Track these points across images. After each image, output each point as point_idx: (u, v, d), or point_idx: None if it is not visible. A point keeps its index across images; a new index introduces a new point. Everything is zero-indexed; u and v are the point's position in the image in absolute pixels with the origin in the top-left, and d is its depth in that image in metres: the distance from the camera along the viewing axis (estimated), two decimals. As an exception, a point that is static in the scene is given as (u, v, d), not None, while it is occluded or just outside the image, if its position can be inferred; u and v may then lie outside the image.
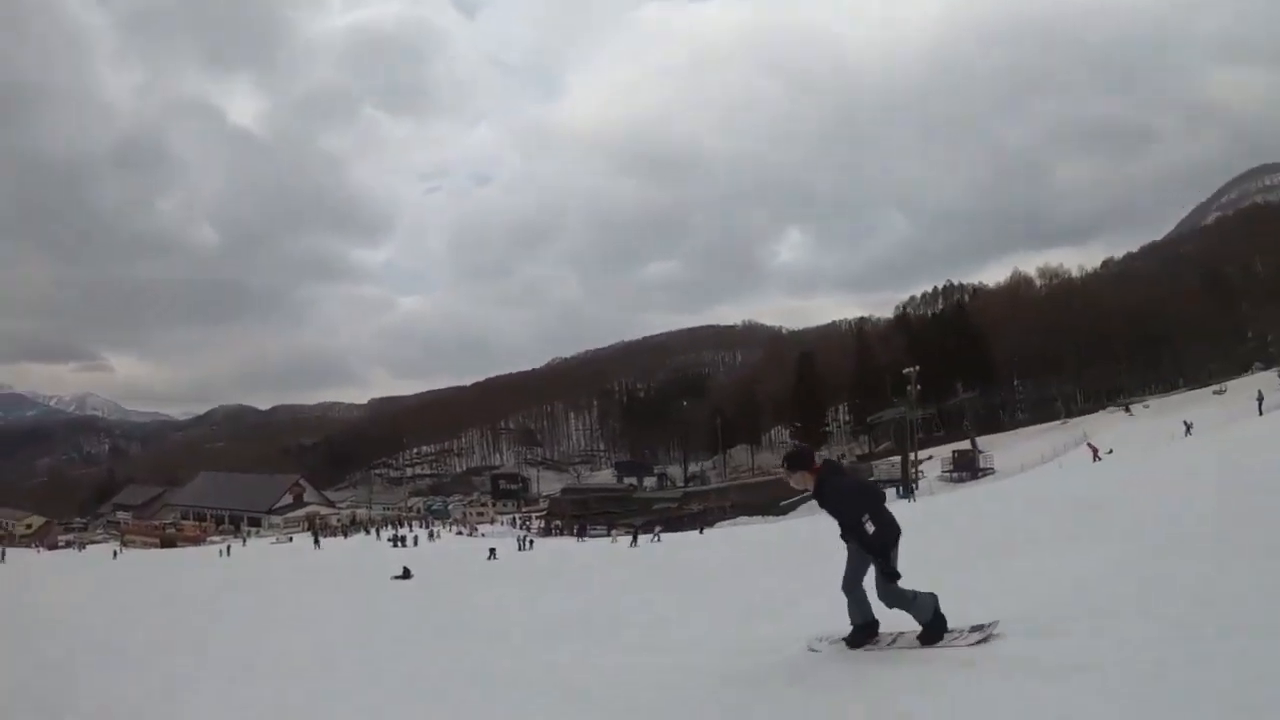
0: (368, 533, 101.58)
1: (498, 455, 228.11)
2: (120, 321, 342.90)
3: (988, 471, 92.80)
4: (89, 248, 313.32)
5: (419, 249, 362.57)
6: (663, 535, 65.57)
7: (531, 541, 70.93)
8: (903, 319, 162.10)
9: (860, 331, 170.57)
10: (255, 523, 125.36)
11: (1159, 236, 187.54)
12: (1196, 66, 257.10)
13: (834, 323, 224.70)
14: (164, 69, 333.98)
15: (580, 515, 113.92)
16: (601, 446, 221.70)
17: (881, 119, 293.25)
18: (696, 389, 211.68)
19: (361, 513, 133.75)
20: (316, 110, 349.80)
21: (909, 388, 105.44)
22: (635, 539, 60.35)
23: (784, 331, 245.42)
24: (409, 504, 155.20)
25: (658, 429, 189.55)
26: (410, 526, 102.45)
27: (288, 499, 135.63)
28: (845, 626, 7.78)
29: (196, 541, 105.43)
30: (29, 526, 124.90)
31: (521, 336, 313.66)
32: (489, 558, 47.51)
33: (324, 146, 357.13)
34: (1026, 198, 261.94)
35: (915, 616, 7.36)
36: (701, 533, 72.92)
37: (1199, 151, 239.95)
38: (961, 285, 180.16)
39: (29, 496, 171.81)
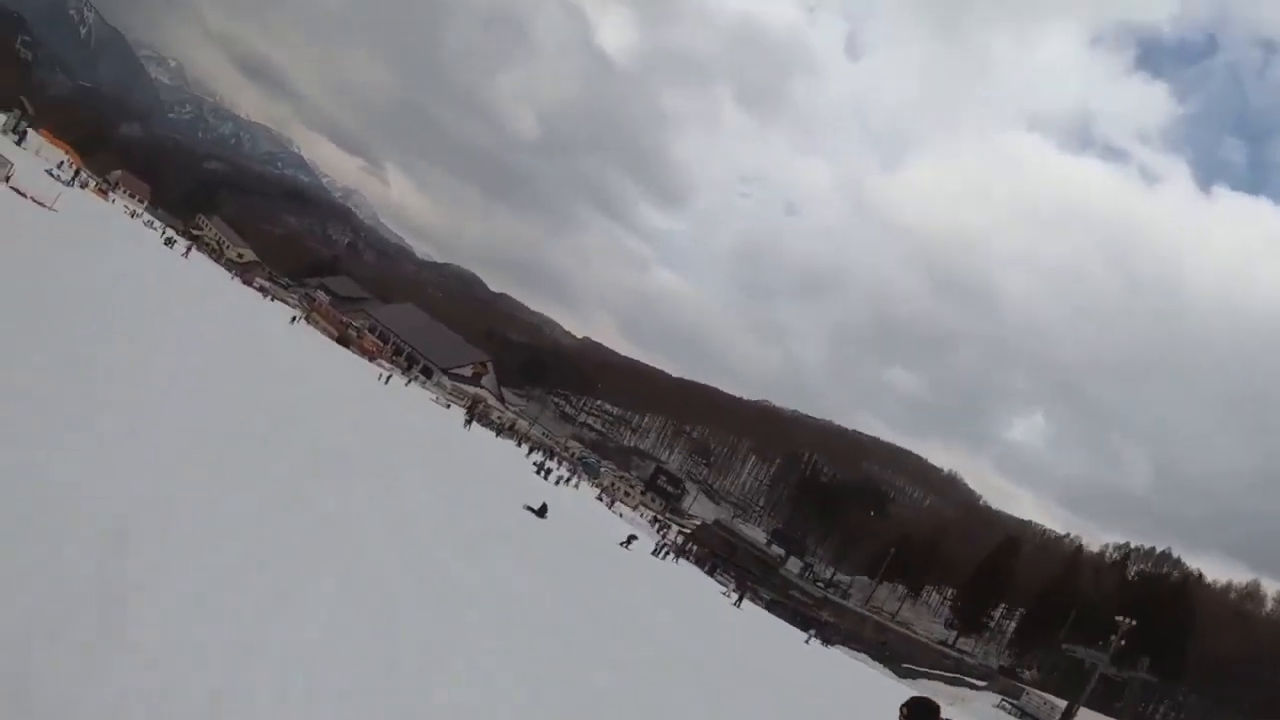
0: (519, 445, 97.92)
1: (667, 452, 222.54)
2: (417, 150, 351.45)
3: None
4: (423, 79, 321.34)
5: (700, 235, 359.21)
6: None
7: (670, 554, 65.98)
8: (1121, 564, 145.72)
9: (1076, 552, 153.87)
10: (428, 372, 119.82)
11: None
12: None
13: (1033, 522, 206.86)
14: None
15: (722, 557, 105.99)
16: (761, 502, 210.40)
17: (1185, 361, 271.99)
18: (876, 503, 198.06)
19: (523, 424, 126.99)
20: (675, 69, 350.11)
21: (1114, 638, 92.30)
22: (741, 601, 59.63)
23: (981, 503, 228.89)
24: (567, 444, 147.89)
25: (820, 517, 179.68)
26: (559, 463, 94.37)
27: (467, 370, 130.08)
28: None
29: (369, 355, 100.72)
30: (240, 256, 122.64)
31: (746, 363, 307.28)
32: (625, 544, 46.32)
33: (666, 103, 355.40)
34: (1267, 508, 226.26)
35: None
36: (808, 642, 64.21)
37: None
38: (1180, 560, 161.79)
39: (261, 238, 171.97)
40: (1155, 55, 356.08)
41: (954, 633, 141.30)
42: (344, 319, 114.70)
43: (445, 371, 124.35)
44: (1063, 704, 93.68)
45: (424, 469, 27.26)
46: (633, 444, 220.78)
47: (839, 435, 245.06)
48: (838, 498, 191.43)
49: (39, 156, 70.85)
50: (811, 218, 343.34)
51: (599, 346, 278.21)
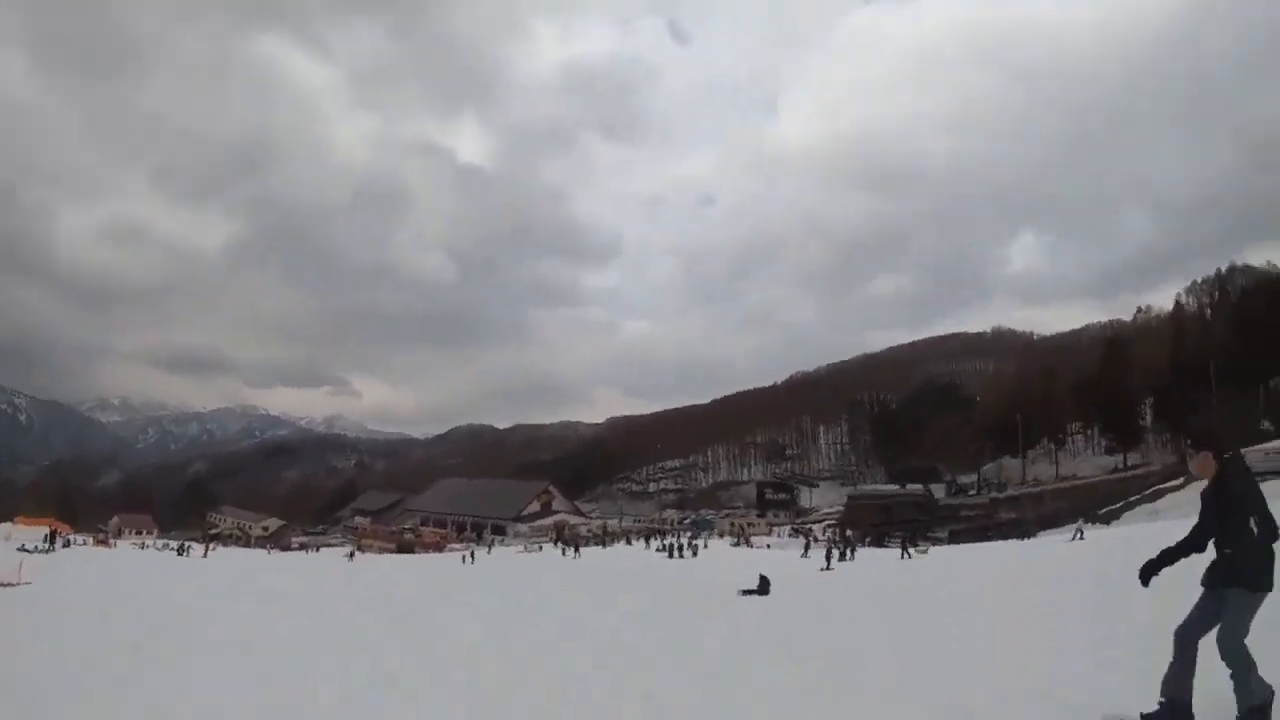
0: (629, 543, 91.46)
1: (745, 470, 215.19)
2: (365, 349, 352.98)
3: None
4: (335, 282, 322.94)
5: (644, 272, 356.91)
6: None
7: (851, 551, 56.60)
8: (1223, 297, 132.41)
9: (1176, 319, 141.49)
10: (499, 530, 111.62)
11: None
12: None
13: (1086, 326, 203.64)
14: (393, 116, 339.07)
15: (884, 523, 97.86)
16: (853, 460, 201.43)
17: (1112, 109, 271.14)
18: (951, 399, 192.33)
19: (613, 523, 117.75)
20: (537, 143, 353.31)
21: None
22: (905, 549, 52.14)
23: (1035, 337, 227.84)
24: (662, 515, 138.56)
25: (914, 439, 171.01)
26: (677, 536, 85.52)
27: (534, 506, 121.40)
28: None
29: (437, 548, 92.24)
30: (265, 529, 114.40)
31: (753, 356, 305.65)
32: (824, 568, 41.87)
33: (547, 178, 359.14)
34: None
35: (1240, 699, 5.69)
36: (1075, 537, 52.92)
37: None
38: (1249, 266, 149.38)
39: (273, 503, 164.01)
40: None
41: (1119, 456, 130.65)
42: (393, 528, 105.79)
43: (516, 520, 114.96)
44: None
45: (597, 608, 21.94)
46: (710, 481, 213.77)
47: (878, 361, 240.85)
48: (912, 414, 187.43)
49: (8, 541, 62.32)
50: (725, 199, 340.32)
51: (624, 418, 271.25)
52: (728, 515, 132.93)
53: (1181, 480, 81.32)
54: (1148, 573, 6.18)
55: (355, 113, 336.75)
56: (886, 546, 63.66)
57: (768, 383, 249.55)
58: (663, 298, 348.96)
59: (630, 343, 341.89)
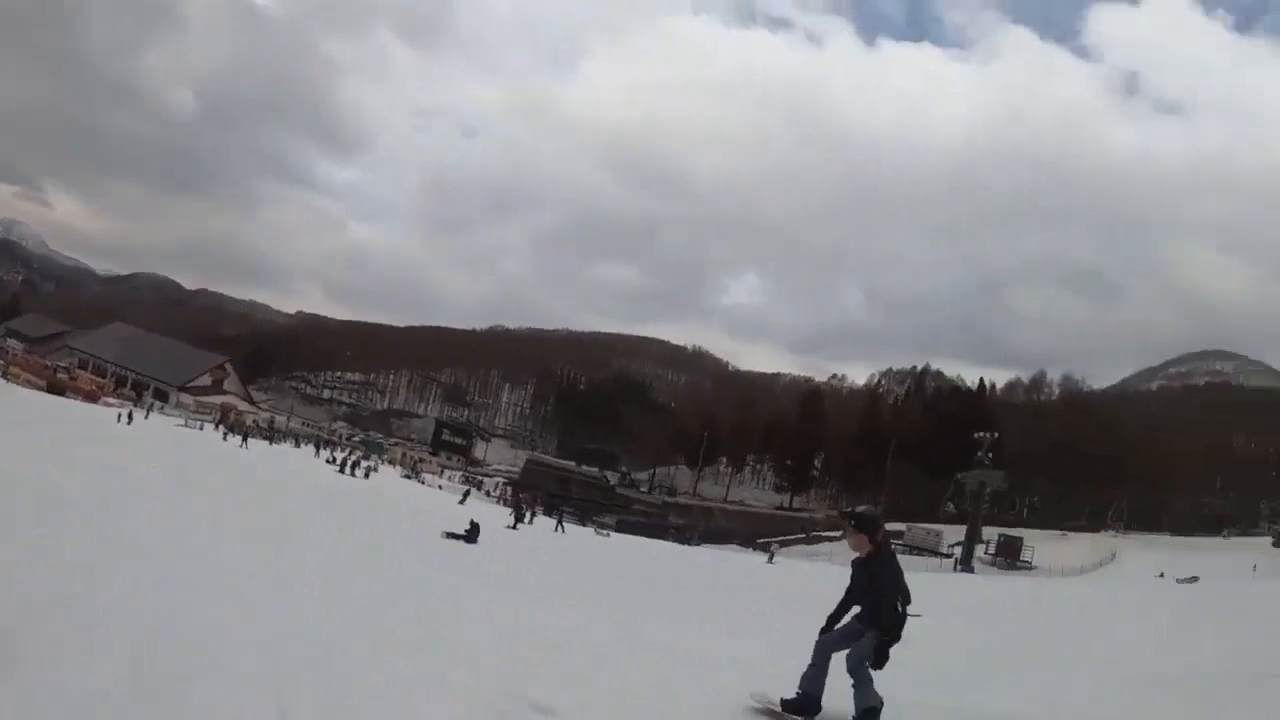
0: (297, 445, 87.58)
1: (422, 404, 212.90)
2: (72, 159, 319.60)
3: (1026, 565, 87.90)
4: (63, 76, 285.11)
5: (389, 181, 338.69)
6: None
7: (532, 515, 57.56)
8: (919, 389, 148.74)
9: (874, 391, 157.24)
10: (162, 396, 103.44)
11: (1098, 387, 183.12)
12: (1182, 243, 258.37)
13: (778, 374, 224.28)
14: None
15: (559, 495, 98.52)
16: (529, 426, 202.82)
17: (875, 199, 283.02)
18: (640, 397, 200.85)
19: (281, 419, 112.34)
20: (332, 11, 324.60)
21: (981, 454, 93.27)
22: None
23: (730, 368, 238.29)
24: (333, 426, 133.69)
25: (596, 424, 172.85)
26: (350, 453, 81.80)
27: (206, 380, 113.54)
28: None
29: (90, 397, 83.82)
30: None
31: (465, 296, 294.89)
32: (512, 526, 42.41)
33: (327, 49, 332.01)
34: (984, 313, 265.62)
35: (857, 702, 7.08)
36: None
37: (1162, 320, 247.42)
38: (940, 372, 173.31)
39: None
40: None
41: (787, 496, 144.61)
42: (47, 363, 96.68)
43: (182, 388, 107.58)
44: (940, 528, 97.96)
45: (269, 512, 21.38)
46: (386, 406, 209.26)
47: (581, 340, 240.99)
48: (600, 400, 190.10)
49: None
50: (493, 138, 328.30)
51: (315, 317, 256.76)
52: (398, 444, 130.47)
53: (841, 533, 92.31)
54: (825, 628, 7.38)
55: None
56: (554, 518, 62.44)
57: (467, 326, 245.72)
58: (397, 211, 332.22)
59: (349, 245, 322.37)
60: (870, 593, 7.21)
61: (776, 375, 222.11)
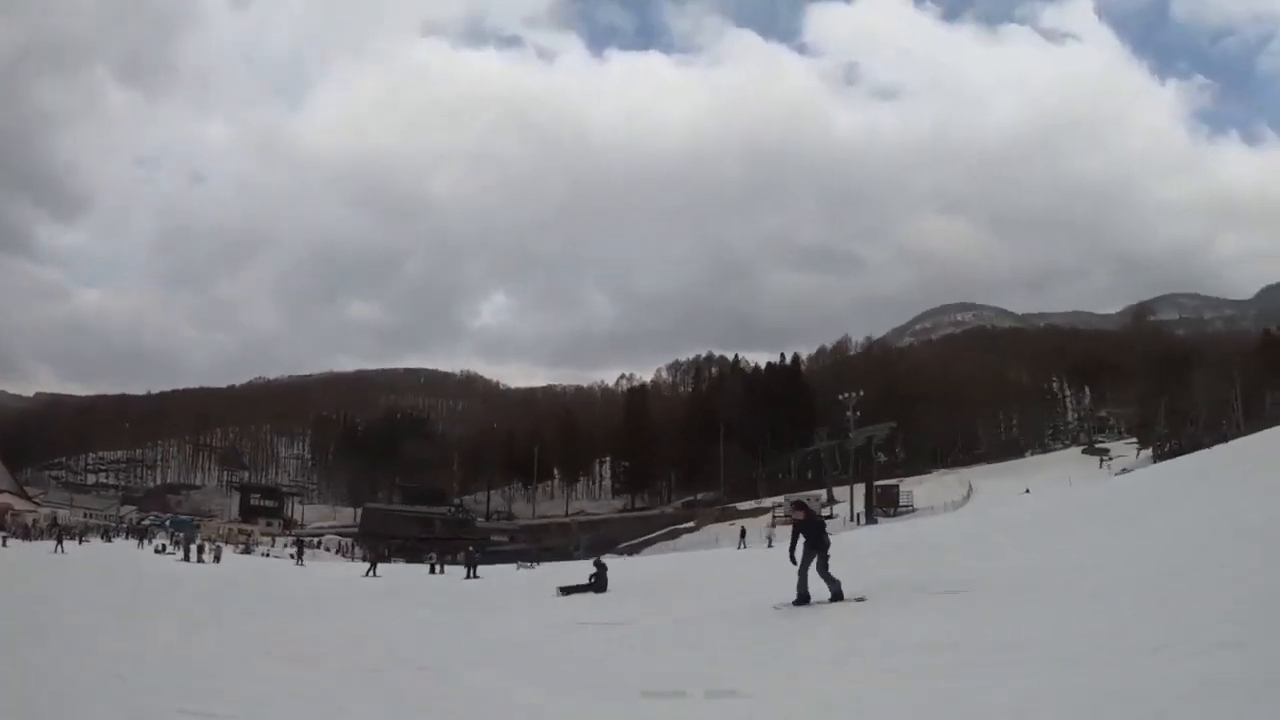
0: (107, 539, 77.61)
1: (198, 474, 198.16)
2: None
3: (907, 509, 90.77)
4: None
5: (115, 239, 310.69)
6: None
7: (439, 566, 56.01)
8: (735, 370, 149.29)
9: (696, 383, 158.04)
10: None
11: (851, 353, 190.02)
12: (906, 211, 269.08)
13: (550, 385, 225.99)
14: None
15: (424, 539, 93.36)
16: (314, 478, 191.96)
17: (613, 203, 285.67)
18: (420, 429, 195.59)
19: (64, 514, 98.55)
20: (45, 56, 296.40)
21: (849, 414, 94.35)
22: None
23: (501, 387, 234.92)
24: (121, 513, 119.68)
25: (383, 463, 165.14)
26: (172, 537, 74.33)
27: None
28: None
29: None
30: None
31: (207, 353, 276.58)
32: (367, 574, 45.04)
33: (41, 100, 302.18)
34: (734, 300, 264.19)
35: (830, 588, 14.65)
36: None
37: (900, 283, 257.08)
38: (725, 358, 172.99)
39: None
40: None
41: (627, 499, 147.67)
42: None
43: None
44: (818, 492, 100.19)
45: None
46: (159, 481, 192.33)
47: (345, 381, 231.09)
48: (385, 438, 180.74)
49: None
50: (223, 181, 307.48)
51: (56, 397, 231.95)
52: (206, 520, 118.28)
53: (695, 523, 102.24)
54: (791, 555, 15.03)
55: None
56: (427, 561, 60.19)
57: (223, 384, 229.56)
58: (127, 272, 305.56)
59: (79, 314, 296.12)
60: (809, 534, 14.82)
61: (548, 388, 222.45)
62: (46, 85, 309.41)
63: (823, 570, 14.63)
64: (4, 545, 50.76)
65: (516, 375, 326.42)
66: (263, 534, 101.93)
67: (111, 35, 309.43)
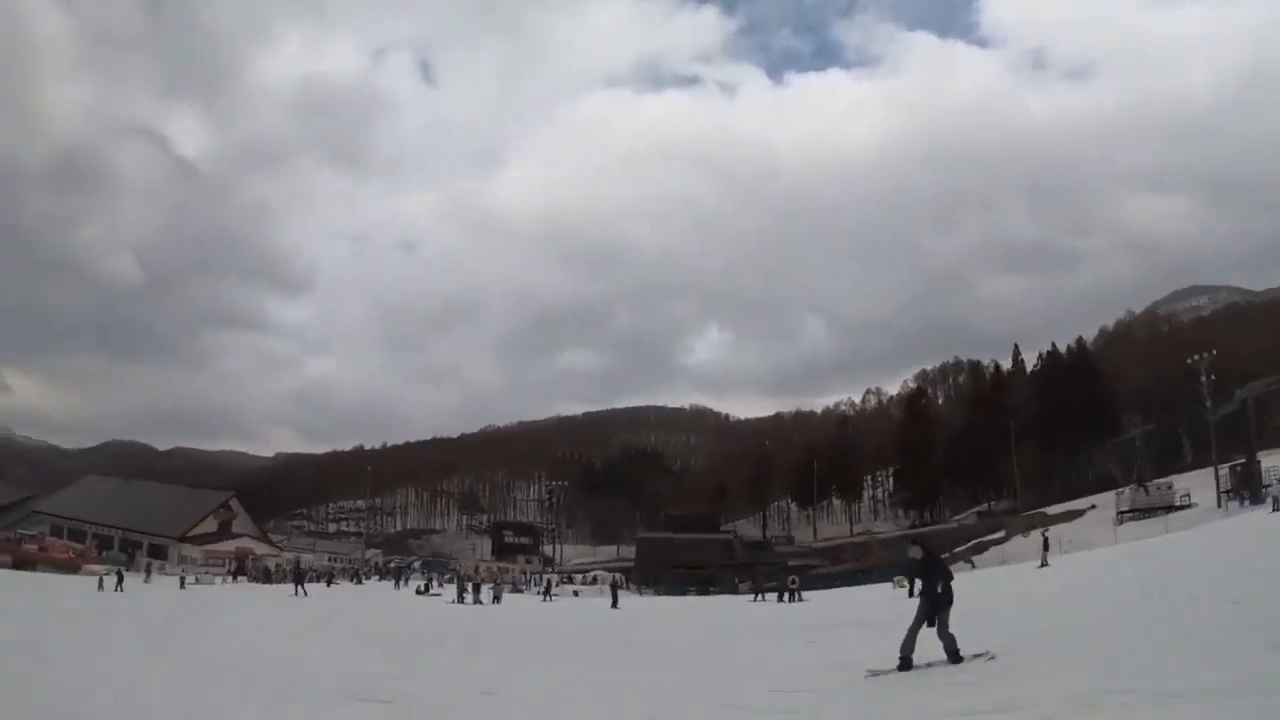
0: (357, 581, 67.96)
1: (437, 519, 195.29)
2: (27, 343, 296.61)
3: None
4: (3, 260, 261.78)
5: (336, 310, 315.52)
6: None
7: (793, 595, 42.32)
8: (1016, 365, 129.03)
9: (975, 382, 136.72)
10: (159, 552, 76.66)
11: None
12: (1116, 195, 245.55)
13: (776, 414, 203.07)
14: (114, 89, 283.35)
15: (728, 565, 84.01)
16: (554, 518, 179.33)
17: (811, 229, 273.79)
18: (656, 464, 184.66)
19: (308, 558, 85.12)
20: (257, 153, 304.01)
21: (1203, 379, 70.32)
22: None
23: (730, 419, 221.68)
24: (366, 556, 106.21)
25: (625, 500, 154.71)
26: (433, 579, 62.13)
27: (210, 525, 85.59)
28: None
29: (70, 567, 59.52)
30: None
31: (432, 409, 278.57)
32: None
33: (258, 192, 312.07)
34: (948, 311, 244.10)
35: (946, 647, 11.41)
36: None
37: (1119, 273, 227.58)
38: (977, 362, 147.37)
39: None
40: None
41: (911, 514, 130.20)
42: (9, 535, 69.60)
43: (183, 539, 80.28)
44: (1169, 480, 75.38)
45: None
46: (400, 528, 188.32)
47: (573, 424, 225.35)
48: (622, 475, 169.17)
49: None
50: (431, 250, 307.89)
51: (295, 456, 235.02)
52: (459, 560, 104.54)
53: (1004, 533, 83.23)
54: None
55: (77, 74, 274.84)
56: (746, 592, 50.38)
57: (454, 434, 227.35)
58: (351, 339, 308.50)
59: (311, 380, 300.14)
60: (928, 581, 11.87)
61: (776, 416, 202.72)
62: (260, 180, 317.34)
63: (942, 630, 11.43)
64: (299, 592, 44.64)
65: (738, 407, 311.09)
66: (521, 571, 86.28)
67: (312, 129, 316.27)
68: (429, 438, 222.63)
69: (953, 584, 11.40)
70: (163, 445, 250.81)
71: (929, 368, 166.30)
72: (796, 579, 43.37)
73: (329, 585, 59.25)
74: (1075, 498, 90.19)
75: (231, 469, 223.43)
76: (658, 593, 48.04)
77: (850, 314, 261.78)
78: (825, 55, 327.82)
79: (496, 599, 45.42)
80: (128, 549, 77.58)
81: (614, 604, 44.21)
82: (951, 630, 11.24)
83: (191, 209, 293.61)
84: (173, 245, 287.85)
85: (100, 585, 43.76)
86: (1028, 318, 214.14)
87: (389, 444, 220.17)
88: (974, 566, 55.59)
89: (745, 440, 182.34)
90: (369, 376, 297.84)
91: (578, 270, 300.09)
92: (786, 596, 41.35)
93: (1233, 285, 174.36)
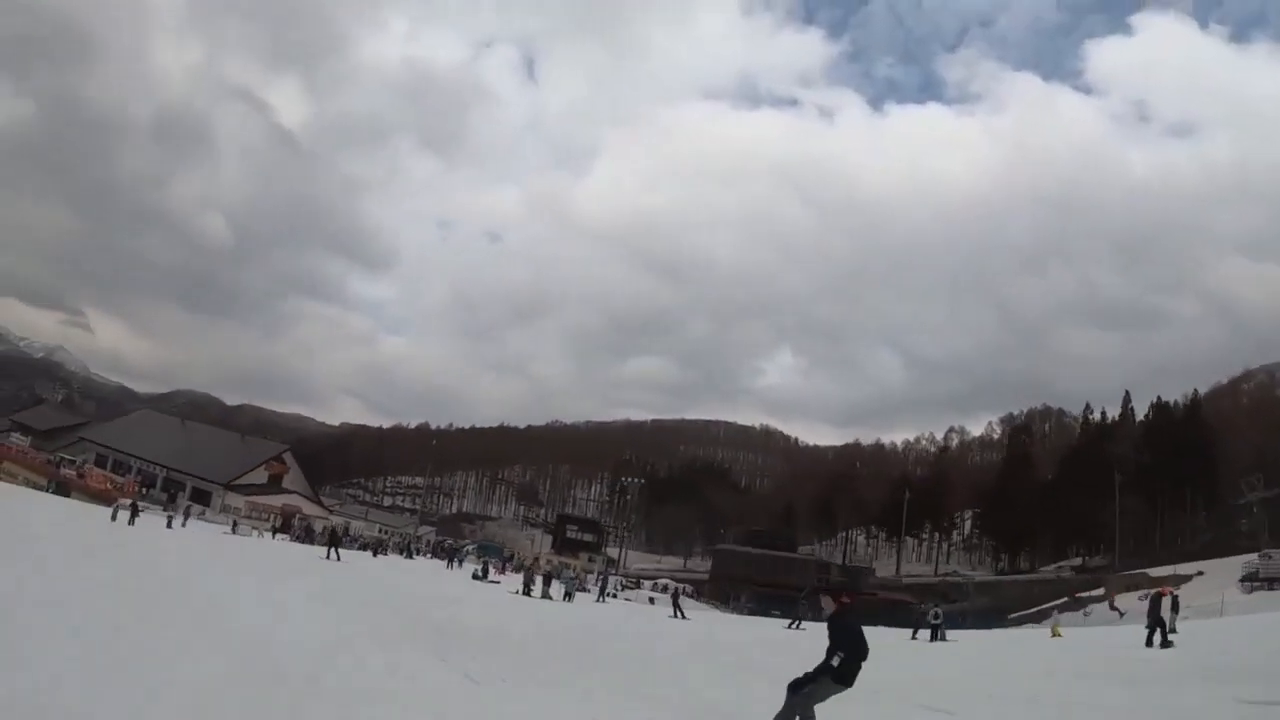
0: (408, 555, 64.20)
1: (493, 505, 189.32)
2: (114, 288, 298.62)
3: None
4: (102, 208, 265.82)
5: (416, 292, 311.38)
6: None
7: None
8: (1124, 416, 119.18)
9: (1099, 424, 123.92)
10: (203, 498, 70.90)
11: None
12: (1212, 258, 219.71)
13: (845, 444, 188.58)
14: (220, 51, 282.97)
15: (821, 588, 68.10)
16: (613, 521, 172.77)
17: (895, 262, 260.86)
18: (722, 479, 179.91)
19: (359, 524, 78.93)
20: (354, 130, 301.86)
21: None
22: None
23: (799, 444, 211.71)
24: (418, 532, 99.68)
25: (685, 511, 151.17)
26: (489, 566, 53.78)
27: (260, 476, 79.63)
28: None
29: (103, 497, 53.62)
30: None
31: (499, 400, 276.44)
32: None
33: (352, 167, 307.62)
34: (1024, 360, 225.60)
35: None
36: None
37: (1208, 339, 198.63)
38: (1062, 410, 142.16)
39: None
40: (802, 7, 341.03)
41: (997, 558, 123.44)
42: (49, 457, 64.11)
43: (229, 486, 74.47)
44: None
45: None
46: (455, 509, 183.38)
47: (641, 429, 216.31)
48: (688, 486, 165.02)
49: None
50: (515, 243, 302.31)
51: (360, 427, 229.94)
52: (513, 549, 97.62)
53: (1103, 590, 76.39)
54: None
55: (185, 33, 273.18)
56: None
57: (520, 424, 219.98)
58: (427, 320, 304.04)
59: (384, 357, 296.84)
60: (838, 641, 8.25)
61: (845, 446, 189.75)
62: (354, 156, 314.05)
63: (801, 708, 8.09)
64: (333, 557, 40.60)
65: (805, 433, 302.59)
66: (584, 569, 78.88)
67: (410, 112, 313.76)
68: (495, 424, 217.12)
69: (858, 664, 8.07)
70: (232, 400, 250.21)
71: (1016, 411, 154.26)
72: (940, 613, 35.26)
73: (375, 556, 53.04)
74: (1182, 561, 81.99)
75: (295, 431, 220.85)
76: (736, 610, 40.29)
77: (926, 352, 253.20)
78: (927, 89, 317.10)
79: (569, 596, 39.33)
80: (170, 489, 72.08)
81: (677, 614, 38.12)
82: None
83: (285, 177, 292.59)
84: (264, 211, 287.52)
85: (113, 517, 38.79)
86: (1107, 375, 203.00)
87: (455, 425, 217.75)
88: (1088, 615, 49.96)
89: (812, 465, 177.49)
90: (442, 359, 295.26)
91: (656, 278, 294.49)
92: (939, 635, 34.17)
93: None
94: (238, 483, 75.51)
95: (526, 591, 36.43)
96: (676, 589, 47.97)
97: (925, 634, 34.28)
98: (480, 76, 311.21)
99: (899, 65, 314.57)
